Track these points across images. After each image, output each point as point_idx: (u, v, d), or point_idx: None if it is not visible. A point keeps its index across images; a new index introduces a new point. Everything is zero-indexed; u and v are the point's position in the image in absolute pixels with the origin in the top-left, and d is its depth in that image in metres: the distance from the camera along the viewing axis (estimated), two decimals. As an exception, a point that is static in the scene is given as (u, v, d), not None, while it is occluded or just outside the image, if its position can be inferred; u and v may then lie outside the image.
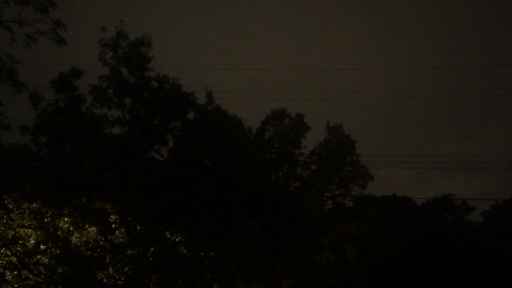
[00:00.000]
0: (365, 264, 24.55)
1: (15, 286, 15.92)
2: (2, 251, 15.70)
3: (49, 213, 16.27)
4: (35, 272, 15.93)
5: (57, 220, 16.31)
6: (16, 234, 15.97)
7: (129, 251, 16.59)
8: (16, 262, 15.80)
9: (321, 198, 24.18)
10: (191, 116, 17.58)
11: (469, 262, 32.18)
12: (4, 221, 15.85)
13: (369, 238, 24.23)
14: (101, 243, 16.79)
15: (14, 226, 15.87)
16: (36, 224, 16.05)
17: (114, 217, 16.72)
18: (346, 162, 23.62)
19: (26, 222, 16.02)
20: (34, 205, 16.08)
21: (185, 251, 17.06)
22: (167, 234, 17.00)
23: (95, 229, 16.72)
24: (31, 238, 16.05)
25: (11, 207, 15.82)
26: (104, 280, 16.66)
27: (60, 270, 16.32)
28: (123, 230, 16.81)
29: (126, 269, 16.51)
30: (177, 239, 17.01)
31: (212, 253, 17.50)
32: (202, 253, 17.58)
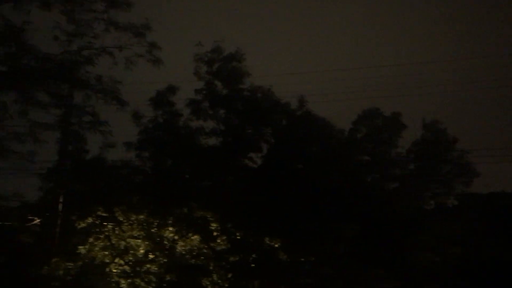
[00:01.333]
0: (470, 266, 23.08)
1: (129, 293, 16.94)
2: (116, 260, 16.79)
3: (155, 224, 17.14)
4: (146, 280, 16.83)
5: (163, 230, 17.13)
6: (127, 245, 17.00)
7: (231, 258, 17.01)
8: (128, 271, 16.80)
9: (422, 198, 23.12)
10: (283, 122, 17.69)
11: None
12: (117, 232, 16.94)
13: (474, 239, 22.79)
14: (204, 250, 17.38)
15: (125, 237, 16.91)
16: (144, 235, 16.98)
17: (214, 225, 17.26)
18: (447, 159, 22.39)
19: (135, 233, 17.00)
20: (141, 216, 17.06)
21: (284, 256, 17.15)
22: (266, 240, 17.22)
23: (197, 237, 17.36)
24: (141, 248, 17.00)
25: (121, 219, 16.90)
26: (209, 287, 17.22)
27: (168, 277, 17.11)
28: (224, 237, 17.29)
29: (229, 275, 16.94)
30: (275, 245, 17.18)
31: (312, 258, 17.41)
32: (301, 258, 17.54)
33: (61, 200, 18.61)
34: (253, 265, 16.94)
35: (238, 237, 17.29)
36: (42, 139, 13.08)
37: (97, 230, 16.97)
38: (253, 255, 16.96)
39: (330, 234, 17.93)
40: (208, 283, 17.23)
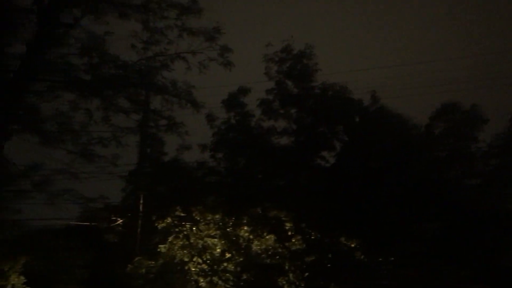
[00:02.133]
0: None
1: (208, 292, 17.36)
2: (194, 259, 17.29)
3: (230, 223, 17.45)
4: (223, 278, 17.16)
5: (238, 230, 17.39)
6: (205, 244, 17.44)
7: (306, 257, 16.90)
8: (207, 270, 17.23)
9: (507, 195, 21.63)
10: (355, 119, 17.34)
11: None
12: (194, 231, 17.45)
13: None
14: (279, 250, 17.42)
15: (203, 236, 17.37)
16: (220, 234, 17.35)
17: (289, 225, 17.26)
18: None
19: (212, 232, 17.41)
20: (216, 216, 17.44)
21: (362, 257, 16.77)
22: (342, 240, 16.93)
23: (272, 236, 17.44)
24: (217, 247, 17.39)
25: (198, 218, 17.38)
26: (285, 286, 17.22)
27: (244, 276, 17.33)
28: (298, 237, 17.23)
29: (305, 275, 16.85)
30: (352, 245, 16.85)
31: (391, 258, 16.88)
32: (379, 259, 17.06)
33: (141, 201, 19.52)
34: (329, 265, 16.69)
35: (313, 237, 17.16)
36: (124, 143, 13.77)
37: (176, 229, 17.56)
38: (329, 255, 16.72)
39: (410, 233, 17.29)
40: (284, 282, 17.25)
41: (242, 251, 17.29)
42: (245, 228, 17.34)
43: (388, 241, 16.56)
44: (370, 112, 17.75)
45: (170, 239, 17.67)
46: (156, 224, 17.82)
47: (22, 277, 22.89)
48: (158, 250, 17.92)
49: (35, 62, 11.75)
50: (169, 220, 17.57)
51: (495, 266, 20.43)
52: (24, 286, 22.94)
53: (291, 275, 16.91)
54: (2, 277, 22.18)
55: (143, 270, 18.00)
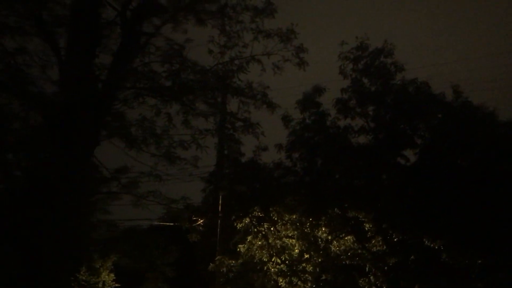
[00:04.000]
0: None
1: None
2: (273, 259, 17.42)
3: (308, 224, 17.37)
4: (302, 279, 17.13)
5: (316, 230, 17.29)
6: (283, 244, 17.52)
7: (388, 259, 16.42)
8: (285, 270, 17.29)
9: None
10: (438, 115, 16.57)
11: None
12: (273, 232, 17.59)
13: None
14: (359, 251, 17.09)
15: (281, 236, 17.46)
16: (298, 234, 17.33)
17: (368, 226, 16.87)
18: None
19: (290, 233, 17.45)
20: (294, 216, 17.45)
21: (447, 259, 15.98)
22: (425, 241, 16.24)
23: (351, 237, 17.15)
24: (295, 248, 17.40)
25: (276, 219, 17.50)
26: (366, 287, 16.87)
27: (324, 277, 17.20)
28: (379, 238, 16.79)
29: (387, 276, 16.39)
30: (436, 246, 16.11)
31: (480, 261, 15.92)
32: (467, 261, 16.16)
33: (221, 201, 20.00)
34: (413, 267, 16.08)
35: (395, 238, 16.63)
36: (203, 145, 14.18)
37: (255, 229, 17.80)
38: (412, 257, 16.12)
39: (506, 235, 16.20)
40: (365, 284, 16.90)
41: (321, 252, 17.16)
42: (323, 228, 17.20)
43: (479, 243, 15.64)
44: (454, 108, 16.88)
45: (249, 238, 17.96)
46: (235, 224, 18.18)
47: (112, 275, 24.40)
48: (238, 249, 18.27)
49: (120, 71, 12.44)
50: (247, 220, 17.85)
51: None
52: (113, 283, 24.44)
53: (372, 276, 16.52)
54: (94, 273, 23.77)
55: (224, 269, 18.43)
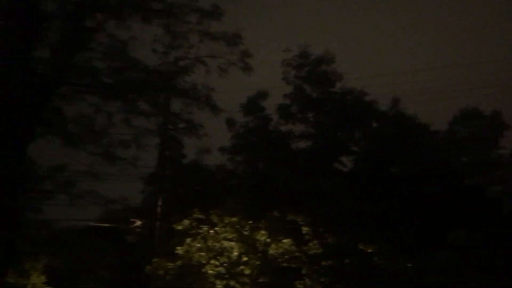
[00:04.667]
0: None
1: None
2: (211, 261, 17.40)
3: (247, 226, 17.51)
4: (240, 281, 17.22)
5: (255, 233, 17.45)
6: (222, 246, 17.54)
7: (323, 262, 16.87)
8: (223, 272, 17.31)
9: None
10: (374, 124, 17.28)
11: None
12: (211, 234, 17.57)
13: None
14: (296, 254, 17.41)
15: (220, 239, 17.47)
16: (237, 237, 17.42)
17: (306, 229, 17.25)
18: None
19: (229, 235, 17.50)
20: (234, 219, 17.53)
21: (380, 262, 16.64)
22: (360, 245, 16.84)
23: (289, 240, 17.45)
24: (234, 250, 17.46)
25: (216, 221, 17.50)
26: (302, 291, 17.19)
27: (261, 279, 17.37)
28: (315, 241, 17.20)
29: (322, 279, 16.81)
30: (369, 251, 16.74)
31: (409, 265, 16.71)
32: (398, 265, 16.91)
33: (160, 203, 19.75)
34: (346, 270, 16.62)
35: (331, 242, 17.12)
36: (144, 145, 13.96)
37: (194, 232, 17.70)
38: (347, 260, 16.66)
39: (433, 240, 17.07)
40: (301, 286, 17.23)
41: (259, 255, 17.33)
42: (262, 231, 17.39)
43: (410, 248, 16.41)
44: (389, 117, 17.68)
45: (187, 241, 17.82)
46: (174, 226, 18.00)
47: (43, 277, 23.34)
48: (176, 252, 18.08)
49: (60, 66, 12.05)
50: (187, 222, 17.73)
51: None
52: (44, 285, 23.39)
53: (307, 279, 16.88)
54: (23, 275, 22.64)
55: (161, 272, 18.17)
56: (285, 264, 17.55)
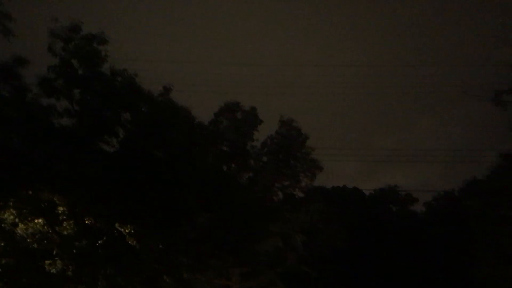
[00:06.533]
0: (312, 253, 25.39)
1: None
2: None
3: (-6, 205, 15.94)
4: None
5: (2, 212, 16.04)
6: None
7: (77, 243, 16.55)
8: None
9: (272, 189, 24.73)
10: (143, 108, 17.59)
11: (413, 249, 33.85)
12: None
13: (317, 228, 25.04)
14: (49, 235, 16.66)
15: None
16: (-21, 217, 15.72)
17: (61, 209, 16.63)
18: (296, 154, 24.21)
19: (-31, 215, 15.67)
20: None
21: (134, 242, 17.16)
22: (116, 225, 17.05)
23: (42, 220, 16.57)
24: (-25, 230, 15.73)
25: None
26: (52, 271, 16.54)
27: (3, 261, 16.08)
28: (71, 221, 16.74)
29: (74, 260, 16.47)
30: (126, 231, 17.10)
31: (160, 245, 17.69)
32: (150, 245, 17.72)
33: None
34: (100, 250, 16.66)
35: (87, 222, 16.89)
36: None
37: None
38: (101, 241, 16.69)
39: (183, 221, 18.33)
40: (52, 267, 16.55)
41: (5, 235, 16.01)
42: (11, 210, 16.08)
43: (161, 228, 17.30)
44: (158, 103, 18.22)
45: None
46: None
47: None
48: None
49: None
50: None
51: (255, 250, 23.24)
52: None
53: (58, 260, 16.34)
54: None
55: None
56: (35, 245, 16.63)
